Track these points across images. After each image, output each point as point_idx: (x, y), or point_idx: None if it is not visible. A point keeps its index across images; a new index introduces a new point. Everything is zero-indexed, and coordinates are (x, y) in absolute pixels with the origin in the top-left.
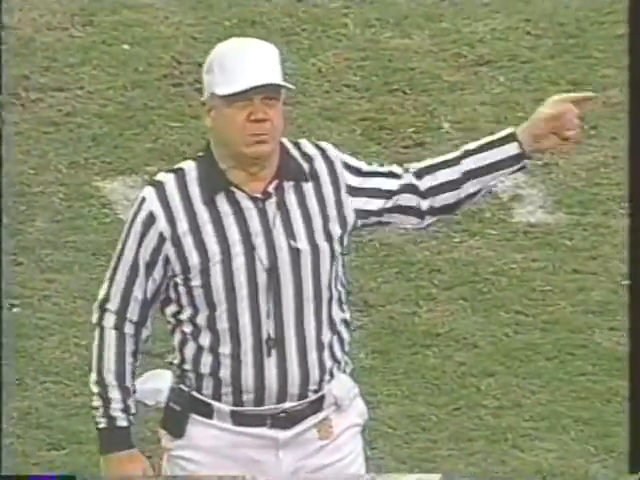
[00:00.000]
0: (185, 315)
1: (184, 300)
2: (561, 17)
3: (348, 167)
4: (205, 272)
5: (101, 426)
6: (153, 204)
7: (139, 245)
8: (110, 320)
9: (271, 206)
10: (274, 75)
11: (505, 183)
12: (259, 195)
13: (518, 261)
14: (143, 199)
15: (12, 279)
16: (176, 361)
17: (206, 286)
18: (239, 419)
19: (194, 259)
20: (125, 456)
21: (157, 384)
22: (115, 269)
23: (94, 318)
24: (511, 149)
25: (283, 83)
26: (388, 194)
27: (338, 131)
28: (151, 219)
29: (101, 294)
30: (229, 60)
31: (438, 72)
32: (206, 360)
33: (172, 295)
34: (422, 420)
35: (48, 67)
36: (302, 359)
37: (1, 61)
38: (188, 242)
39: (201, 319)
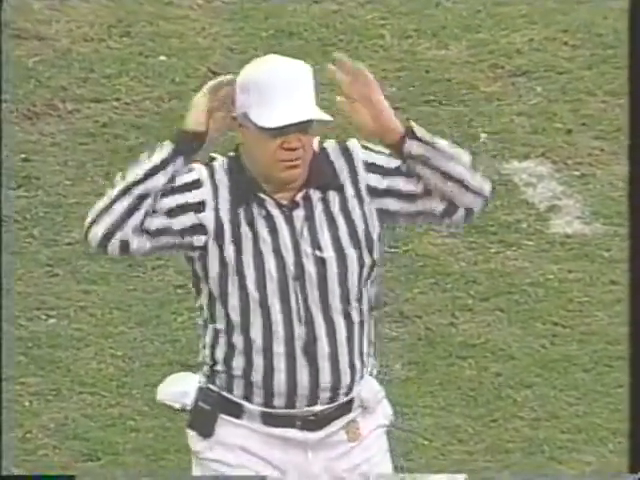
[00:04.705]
0: (218, 312)
1: (217, 296)
2: (599, 28)
3: (372, 167)
4: (240, 272)
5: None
6: (201, 171)
7: (178, 191)
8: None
9: (299, 215)
10: (311, 109)
11: (542, 194)
12: (287, 204)
13: (555, 272)
14: (191, 166)
15: (48, 290)
16: (207, 360)
17: (242, 287)
18: (269, 420)
19: (230, 255)
20: None
21: (182, 387)
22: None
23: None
24: None
25: (321, 118)
26: (409, 197)
27: (374, 142)
28: (196, 184)
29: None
30: (267, 87)
31: (475, 83)
32: (238, 362)
33: (204, 287)
34: (458, 432)
35: (85, 78)
36: (334, 363)
37: (1, 75)
38: (227, 235)
39: (234, 318)
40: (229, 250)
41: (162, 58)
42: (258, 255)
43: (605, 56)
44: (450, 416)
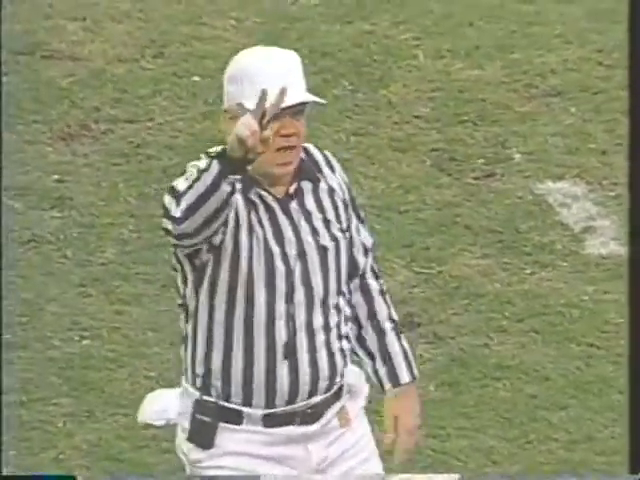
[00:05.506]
0: (217, 317)
1: (223, 300)
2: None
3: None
4: (249, 269)
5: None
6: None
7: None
8: None
9: (294, 208)
10: (305, 91)
11: (577, 214)
12: (282, 197)
13: (590, 293)
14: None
15: (81, 311)
16: (199, 371)
17: (249, 283)
18: (269, 421)
19: (245, 251)
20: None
21: (162, 404)
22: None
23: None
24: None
25: (317, 100)
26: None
27: (408, 162)
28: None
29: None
30: (259, 75)
31: (509, 103)
32: (237, 368)
33: (205, 292)
34: (493, 454)
35: (119, 99)
36: (329, 351)
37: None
38: (244, 226)
39: (237, 321)
40: (244, 247)
41: (196, 79)
42: (268, 251)
43: None
44: (484, 438)
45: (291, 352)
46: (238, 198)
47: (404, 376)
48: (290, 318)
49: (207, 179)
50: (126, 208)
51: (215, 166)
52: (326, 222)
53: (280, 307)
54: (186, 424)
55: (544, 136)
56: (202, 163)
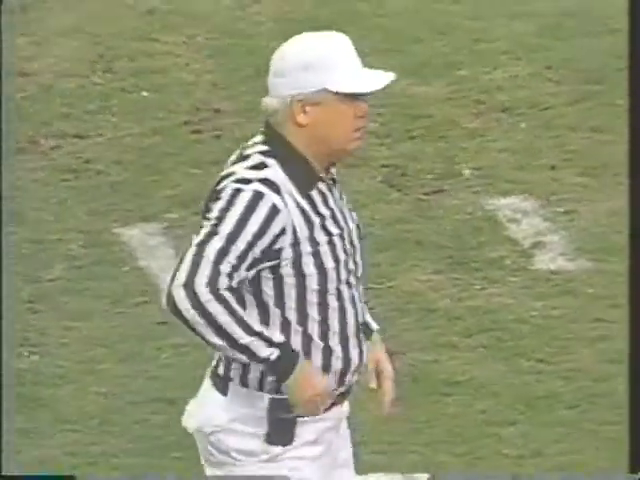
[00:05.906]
0: (300, 313)
1: (298, 294)
2: (583, 64)
3: None
4: (322, 270)
5: (274, 356)
6: (272, 197)
7: (261, 235)
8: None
9: (335, 192)
10: (383, 73)
11: (526, 230)
12: (330, 181)
13: (539, 309)
14: (259, 194)
15: (30, 327)
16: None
17: (322, 272)
18: (331, 405)
19: (307, 248)
20: (307, 365)
21: (208, 410)
22: (228, 246)
23: (204, 294)
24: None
25: (394, 77)
26: None
27: (359, 177)
28: (275, 210)
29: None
30: (342, 59)
31: (457, 119)
32: (317, 356)
33: (289, 299)
34: (443, 469)
35: (67, 114)
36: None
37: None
38: (304, 234)
39: (312, 313)
40: (319, 241)
41: (144, 94)
42: (332, 242)
43: (589, 92)
44: (434, 453)
45: (357, 336)
46: (297, 198)
47: (373, 324)
48: (351, 301)
49: (242, 355)
50: (75, 224)
51: (269, 367)
52: (348, 204)
53: (345, 292)
54: (254, 427)
55: (493, 152)
56: (266, 339)
